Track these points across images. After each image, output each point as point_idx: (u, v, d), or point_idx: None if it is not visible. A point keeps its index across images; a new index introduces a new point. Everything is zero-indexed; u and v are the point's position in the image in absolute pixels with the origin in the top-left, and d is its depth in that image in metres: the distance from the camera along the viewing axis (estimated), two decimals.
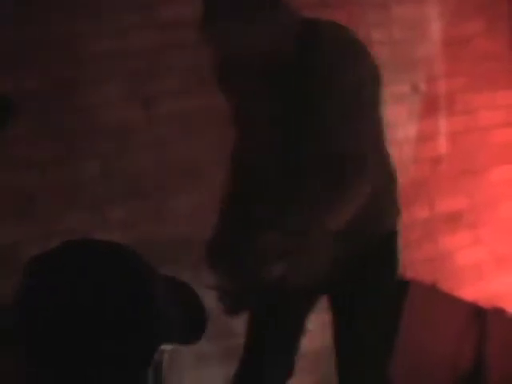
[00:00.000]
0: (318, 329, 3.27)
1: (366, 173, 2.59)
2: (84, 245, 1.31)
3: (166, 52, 3.37)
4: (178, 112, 3.38)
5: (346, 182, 2.59)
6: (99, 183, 3.23)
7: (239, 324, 3.27)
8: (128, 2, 3.18)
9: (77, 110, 3.19)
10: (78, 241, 1.30)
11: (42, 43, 3.15)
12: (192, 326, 1.42)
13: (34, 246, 2.81)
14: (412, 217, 3.79)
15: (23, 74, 3.14)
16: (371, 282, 2.71)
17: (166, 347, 1.36)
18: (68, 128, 3.21)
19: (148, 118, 3.34)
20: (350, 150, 2.57)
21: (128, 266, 1.28)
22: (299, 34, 2.51)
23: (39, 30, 3.13)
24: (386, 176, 2.72)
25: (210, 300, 1.67)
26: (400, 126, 3.84)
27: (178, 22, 3.26)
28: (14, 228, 3.13)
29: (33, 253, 1.34)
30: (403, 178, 3.45)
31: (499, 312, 3.78)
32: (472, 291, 3.88)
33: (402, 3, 3.82)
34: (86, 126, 3.24)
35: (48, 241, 2.78)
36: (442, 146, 3.94)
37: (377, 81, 2.54)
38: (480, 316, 2.58)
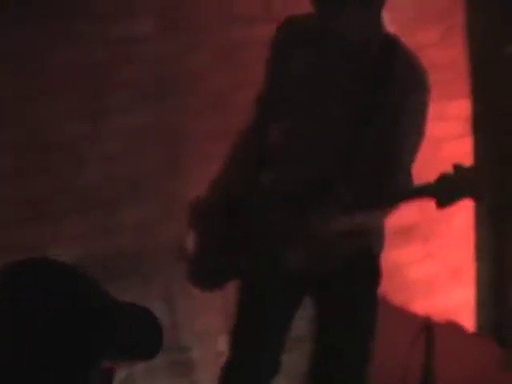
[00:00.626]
0: None
1: (408, 189, 2.88)
2: (43, 264, 1.37)
3: (114, 67, 3.40)
4: (126, 127, 3.40)
5: (390, 192, 2.85)
6: (50, 197, 3.23)
7: (188, 338, 3.29)
8: (79, 16, 3.19)
9: (26, 124, 3.22)
10: (38, 259, 1.36)
11: None
12: (149, 345, 1.46)
13: None
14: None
15: None
16: (359, 288, 2.84)
17: (120, 364, 1.44)
18: (17, 142, 3.22)
19: (97, 132, 3.36)
20: (405, 163, 2.83)
21: (77, 287, 1.33)
22: (383, 40, 2.72)
23: None
24: None
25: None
26: None
27: (126, 38, 3.29)
28: None
29: None
30: None
31: (451, 326, 3.83)
32: (424, 305, 3.88)
33: None
34: (36, 141, 3.23)
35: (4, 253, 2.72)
36: None
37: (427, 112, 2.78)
38: (430, 329, 2.61)
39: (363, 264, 2.85)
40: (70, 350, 1.33)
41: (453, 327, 3.87)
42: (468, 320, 4.10)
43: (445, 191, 2.71)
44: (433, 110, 3.62)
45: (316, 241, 2.72)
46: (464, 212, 3.99)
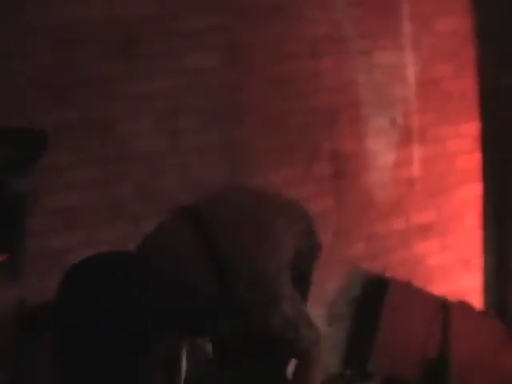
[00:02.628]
0: None
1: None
2: (105, 258, 1.54)
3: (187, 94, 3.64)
4: (198, 143, 3.65)
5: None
6: (131, 201, 3.45)
7: None
8: (157, 50, 3.45)
9: (113, 140, 3.47)
10: (102, 254, 1.52)
11: (82, 83, 3.38)
12: None
13: (77, 251, 2.99)
14: (390, 228, 4.21)
15: (65, 109, 3.37)
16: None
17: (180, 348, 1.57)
18: (105, 155, 3.44)
19: (173, 147, 3.62)
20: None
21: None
22: None
23: (79, 72, 3.36)
24: None
25: None
26: (380, 154, 4.18)
27: (198, 68, 3.57)
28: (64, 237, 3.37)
29: (76, 257, 1.59)
30: (383, 197, 4.09)
31: (463, 305, 4.22)
32: (440, 289, 4.21)
33: (382, 50, 4.08)
34: (121, 154, 3.50)
35: (90, 248, 2.73)
36: (416, 169, 4.31)
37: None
38: (446, 308, 2.66)
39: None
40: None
41: (465, 307, 4.24)
42: (477, 301, 4.44)
43: None
44: (449, 130, 4.23)
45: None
46: (474, 213, 4.49)
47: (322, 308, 3.76)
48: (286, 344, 2.27)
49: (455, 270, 4.50)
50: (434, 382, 2.43)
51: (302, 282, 2.49)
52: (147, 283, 1.55)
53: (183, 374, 1.60)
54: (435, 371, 2.42)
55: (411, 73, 4.23)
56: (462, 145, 4.45)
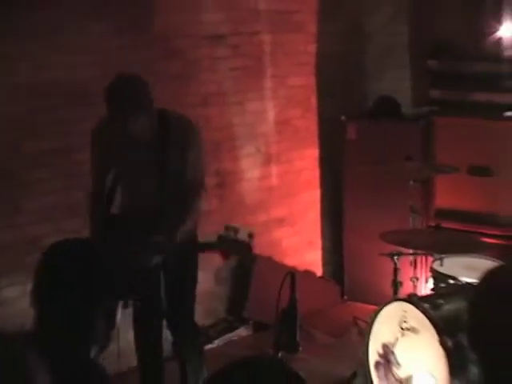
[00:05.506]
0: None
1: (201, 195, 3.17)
2: (73, 243, 1.79)
3: None
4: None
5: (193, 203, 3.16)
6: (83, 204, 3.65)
7: None
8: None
9: (70, 161, 3.78)
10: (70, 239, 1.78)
11: (50, 123, 3.68)
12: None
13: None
14: (257, 220, 4.79)
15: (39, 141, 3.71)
16: (188, 265, 3.36)
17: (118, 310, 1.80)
18: (65, 172, 3.78)
19: None
20: (196, 179, 3.13)
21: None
22: (158, 116, 3.08)
23: (47, 116, 3.64)
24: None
25: None
26: (249, 171, 4.82)
27: None
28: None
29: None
30: (252, 199, 4.70)
31: (307, 273, 5.04)
32: (292, 262, 4.96)
33: (251, 101, 4.75)
34: (77, 172, 3.72)
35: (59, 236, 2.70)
36: (274, 181, 4.98)
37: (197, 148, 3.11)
38: (293, 275, 2.47)
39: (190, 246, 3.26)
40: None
41: (309, 274, 5.10)
42: (318, 271, 5.25)
43: (225, 247, 3.03)
44: (296, 154, 4.87)
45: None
46: (314, 210, 5.22)
47: (211, 273, 4.41)
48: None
49: (302, 249, 5.16)
50: (286, 324, 2.38)
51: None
52: (98, 259, 1.80)
53: (118, 323, 1.83)
54: (286, 317, 2.39)
55: (271, 115, 4.88)
56: (306, 164, 5.14)
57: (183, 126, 3.15)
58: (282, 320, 2.40)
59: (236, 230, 2.96)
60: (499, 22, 5.08)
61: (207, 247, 3.15)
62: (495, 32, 5.07)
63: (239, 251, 3.02)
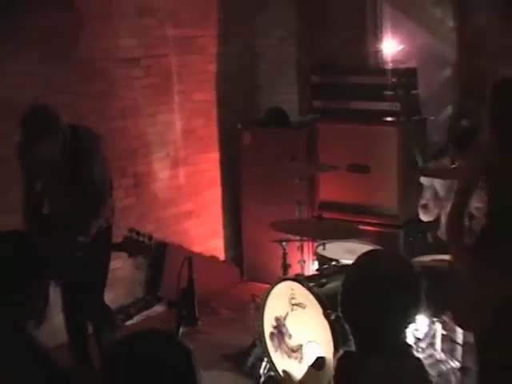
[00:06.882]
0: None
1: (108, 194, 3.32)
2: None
3: None
4: None
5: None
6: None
7: None
8: None
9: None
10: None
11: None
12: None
13: None
14: (168, 213, 5.11)
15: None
16: (100, 258, 3.56)
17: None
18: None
19: None
20: (98, 184, 3.27)
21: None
22: (70, 130, 3.19)
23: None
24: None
25: None
26: (161, 172, 4.99)
27: None
28: None
29: None
30: (164, 196, 4.96)
31: (211, 258, 5.38)
32: (199, 249, 5.29)
33: (162, 113, 5.02)
34: None
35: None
36: (182, 180, 5.26)
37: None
38: (190, 259, 2.48)
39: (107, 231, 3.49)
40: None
41: (212, 258, 5.52)
42: (221, 256, 5.66)
43: (129, 248, 3.15)
44: (201, 158, 5.17)
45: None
46: (217, 205, 5.59)
47: (130, 260, 4.37)
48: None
49: (207, 238, 5.52)
50: (186, 301, 2.39)
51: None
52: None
53: (49, 302, 1.88)
54: (186, 295, 2.40)
55: (179, 125, 5.18)
56: (209, 166, 5.48)
57: (87, 136, 3.36)
58: (182, 298, 2.46)
59: (138, 233, 3.19)
60: (379, 39, 5.61)
61: (114, 248, 3.37)
62: (376, 48, 5.58)
63: (140, 252, 3.25)
